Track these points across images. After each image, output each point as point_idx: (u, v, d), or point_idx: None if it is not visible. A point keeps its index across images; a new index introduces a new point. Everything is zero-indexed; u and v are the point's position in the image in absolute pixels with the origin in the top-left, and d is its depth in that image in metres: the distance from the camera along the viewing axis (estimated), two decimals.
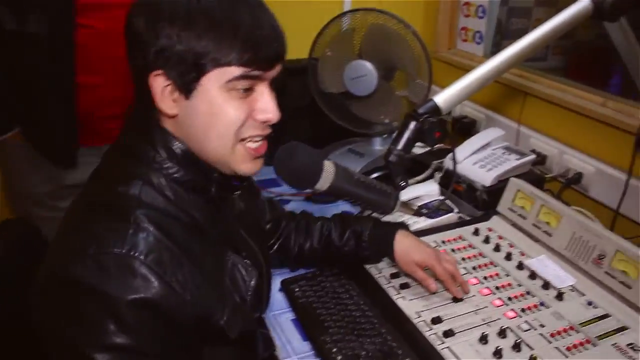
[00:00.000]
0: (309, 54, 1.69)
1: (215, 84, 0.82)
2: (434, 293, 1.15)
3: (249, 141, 0.88)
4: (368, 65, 1.59)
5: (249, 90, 0.85)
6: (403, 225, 1.24)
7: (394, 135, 1.03)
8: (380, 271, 1.24)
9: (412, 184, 1.59)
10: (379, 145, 1.83)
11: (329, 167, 0.94)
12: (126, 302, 0.73)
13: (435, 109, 1.01)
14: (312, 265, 1.30)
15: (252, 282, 0.96)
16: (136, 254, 0.76)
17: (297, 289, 1.21)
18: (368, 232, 1.21)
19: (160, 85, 0.82)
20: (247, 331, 0.94)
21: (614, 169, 1.53)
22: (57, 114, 1.46)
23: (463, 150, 1.56)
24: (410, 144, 1.01)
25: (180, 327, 0.80)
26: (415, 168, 1.70)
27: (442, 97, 1.03)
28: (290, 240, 1.26)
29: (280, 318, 1.16)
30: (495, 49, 2.04)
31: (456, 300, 1.14)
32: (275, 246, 1.26)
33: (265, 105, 0.86)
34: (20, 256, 1.05)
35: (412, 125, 1.00)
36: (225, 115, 0.83)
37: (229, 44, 0.80)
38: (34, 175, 1.57)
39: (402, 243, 1.19)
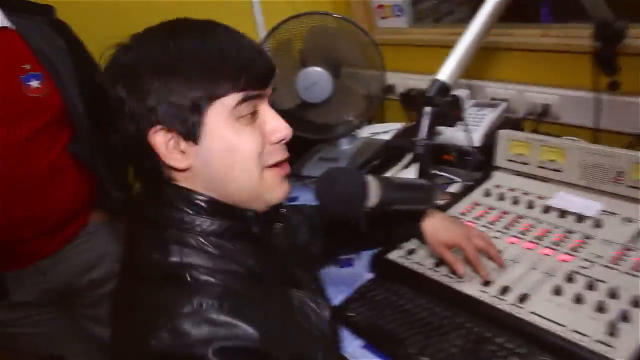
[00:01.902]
0: None
1: (222, 118, 0.77)
2: (461, 277, 1.11)
3: (278, 167, 0.84)
4: (317, 70, 1.55)
5: (254, 115, 0.80)
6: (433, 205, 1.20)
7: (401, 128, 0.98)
8: (422, 264, 1.19)
9: (400, 170, 1.56)
10: (345, 145, 1.79)
11: (372, 182, 0.88)
12: (214, 351, 0.67)
13: (445, 87, 0.98)
14: (349, 254, 1.31)
15: (327, 314, 0.90)
16: (209, 307, 0.70)
17: (352, 313, 1.14)
18: (396, 218, 1.16)
19: (162, 141, 0.77)
20: None
21: (576, 91, 1.57)
22: None
23: None
24: (432, 130, 0.96)
25: None
26: (392, 156, 1.67)
27: (446, 74, 0.99)
28: (325, 236, 1.20)
29: (349, 349, 1.09)
30: (418, 16, 2.05)
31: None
32: (318, 248, 1.19)
33: (275, 124, 0.82)
34: None
35: (428, 110, 0.96)
36: (242, 146, 0.78)
37: (220, 74, 0.76)
38: None
39: (430, 225, 1.14)
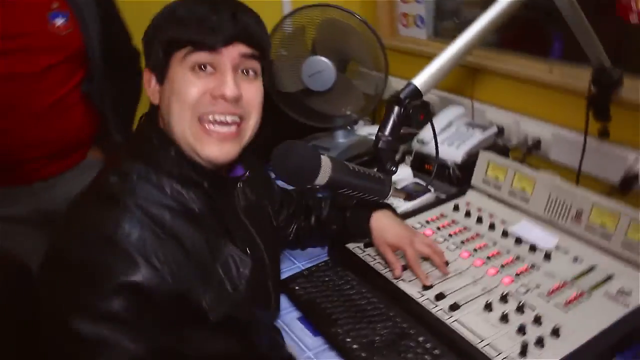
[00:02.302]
0: None
1: (179, 65, 0.90)
2: (396, 279, 1.17)
3: (211, 122, 0.92)
4: (324, 60, 1.61)
5: (214, 73, 0.91)
6: (387, 206, 1.27)
7: (380, 123, 1.05)
8: (374, 258, 1.25)
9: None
10: (341, 138, 1.85)
11: (325, 161, 0.95)
12: (113, 284, 0.79)
13: (417, 92, 1.04)
14: (314, 245, 1.36)
15: (246, 271, 0.97)
16: (120, 234, 0.82)
17: (297, 287, 1.21)
18: (350, 211, 1.25)
19: (147, 78, 0.96)
20: (235, 318, 0.94)
21: (569, 130, 1.61)
22: None
23: (428, 132, 1.60)
24: (396, 129, 1.03)
25: (160, 302, 0.83)
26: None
27: (421, 80, 1.05)
28: (300, 223, 1.32)
29: (285, 318, 1.16)
30: (437, 30, 2.10)
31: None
32: (293, 232, 1.31)
33: (222, 81, 0.90)
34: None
35: (396, 110, 1.02)
36: (182, 92, 0.90)
37: (185, 26, 0.89)
38: None
39: (378, 222, 1.22)
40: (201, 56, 0.89)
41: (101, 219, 0.84)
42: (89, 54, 1.56)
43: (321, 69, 1.61)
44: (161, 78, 0.93)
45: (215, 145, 0.92)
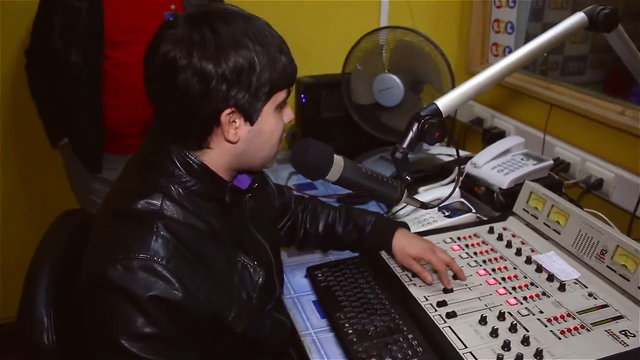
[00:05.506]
0: (342, 69, 1.84)
1: (272, 108, 1.00)
2: (430, 284, 1.26)
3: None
4: (395, 78, 1.72)
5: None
6: (403, 224, 1.38)
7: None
8: (395, 262, 1.36)
9: (436, 187, 1.71)
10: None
11: (338, 161, 1.08)
12: (148, 297, 0.87)
13: (436, 112, 1.13)
14: (315, 249, 1.48)
15: (260, 281, 1.08)
16: (158, 259, 0.90)
17: (319, 274, 1.35)
18: (370, 227, 1.35)
19: (229, 119, 0.95)
20: (253, 325, 1.06)
21: (633, 174, 1.59)
22: (88, 127, 1.82)
23: (483, 156, 1.66)
24: (413, 142, 1.13)
25: (195, 322, 0.94)
26: (442, 173, 1.82)
27: (443, 101, 1.15)
28: (297, 224, 1.41)
29: (302, 299, 1.31)
30: (543, 68, 2.13)
31: (460, 286, 1.26)
32: (285, 229, 1.41)
33: (290, 112, 1.08)
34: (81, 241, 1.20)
35: (415, 126, 1.13)
36: (278, 130, 1.04)
37: (281, 74, 0.97)
38: (83, 174, 1.95)
39: (399, 240, 1.31)
40: (285, 98, 1.03)
41: (137, 243, 0.90)
42: None
43: (390, 85, 1.73)
44: (252, 120, 0.97)
45: (275, 159, 1.10)
